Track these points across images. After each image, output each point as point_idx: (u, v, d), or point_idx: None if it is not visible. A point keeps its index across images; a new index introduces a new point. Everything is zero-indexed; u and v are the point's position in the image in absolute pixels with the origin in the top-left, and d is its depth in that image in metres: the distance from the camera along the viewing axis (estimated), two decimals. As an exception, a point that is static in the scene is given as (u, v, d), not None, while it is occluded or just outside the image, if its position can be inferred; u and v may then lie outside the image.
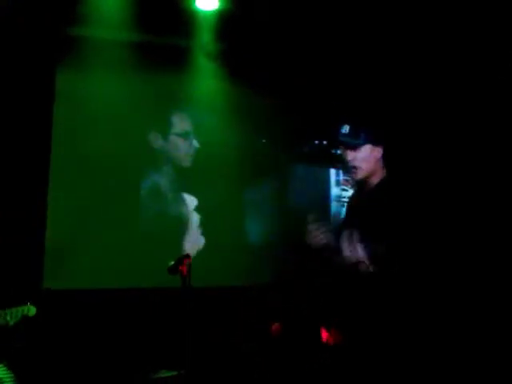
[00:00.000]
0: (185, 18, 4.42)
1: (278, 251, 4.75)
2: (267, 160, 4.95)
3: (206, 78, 4.68)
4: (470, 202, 3.99)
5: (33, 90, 4.18)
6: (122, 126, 4.49)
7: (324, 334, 2.97)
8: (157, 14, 4.29)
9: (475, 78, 4.12)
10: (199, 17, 4.46)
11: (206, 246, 4.75)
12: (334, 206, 5.00)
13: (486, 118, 4.09)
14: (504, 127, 4.02)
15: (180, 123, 4.82)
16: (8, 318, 2.86)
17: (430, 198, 2.85)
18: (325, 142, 5.09)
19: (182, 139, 4.81)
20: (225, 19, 4.45)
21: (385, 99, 4.47)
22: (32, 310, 2.94)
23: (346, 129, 2.75)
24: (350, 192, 4.45)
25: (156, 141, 4.71)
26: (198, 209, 4.79)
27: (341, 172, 5.09)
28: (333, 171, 5.15)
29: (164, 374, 3.37)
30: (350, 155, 2.74)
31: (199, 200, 4.82)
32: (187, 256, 2.94)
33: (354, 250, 2.60)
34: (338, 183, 5.14)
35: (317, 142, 5.11)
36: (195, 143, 4.82)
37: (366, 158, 2.73)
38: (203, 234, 4.77)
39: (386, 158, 2.80)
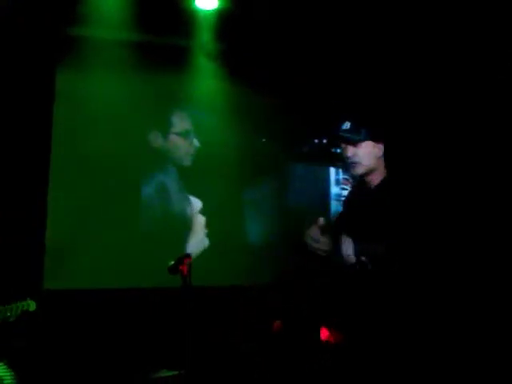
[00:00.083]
0: (184, 18, 4.42)
1: (278, 251, 4.74)
2: (267, 159, 4.94)
3: (206, 78, 4.68)
4: (470, 201, 3.99)
5: (33, 89, 4.18)
6: (122, 126, 4.49)
7: (324, 334, 2.97)
8: (156, 14, 4.29)
9: (476, 78, 4.12)
10: (199, 16, 4.46)
11: (207, 246, 4.75)
12: (333, 204, 5.00)
13: (486, 118, 4.08)
14: (505, 125, 4.02)
15: (180, 122, 4.82)
16: (8, 314, 2.86)
17: (431, 198, 2.84)
18: (325, 141, 5.09)
19: (183, 138, 4.81)
20: (224, 19, 4.44)
21: (386, 97, 4.47)
22: (32, 305, 2.95)
23: (346, 125, 2.74)
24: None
25: (156, 140, 4.71)
26: (201, 209, 4.79)
27: (340, 171, 5.09)
28: (333, 170, 5.15)
29: (164, 373, 3.37)
30: (351, 151, 2.72)
31: (200, 200, 4.82)
32: (187, 256, 2.94)
33: (352, 249, 2.60)
34: (337, 182, 5.13)
35: (316, 140, 5.11)
36: (196, 142, 4.83)
37: (366, 154, 2.72)
38: (207, 234, 4.78)
39: (387, 157, 2.80)
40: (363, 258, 2.58)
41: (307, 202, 4.86)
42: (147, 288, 4.27)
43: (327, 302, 3.14)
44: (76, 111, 4.37)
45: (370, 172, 2.76)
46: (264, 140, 5.04)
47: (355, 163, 2.73)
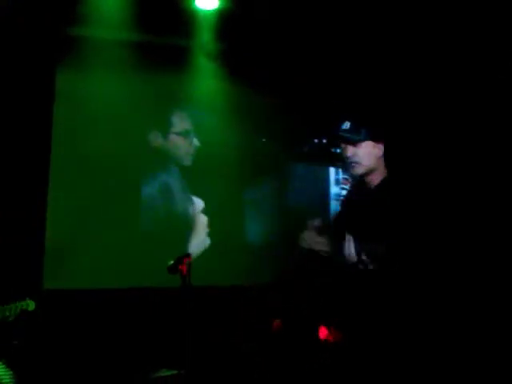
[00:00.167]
0: (185, 18, 4.42)
1: (278, 251, 4.74)
2: (267, 159, 4.94)
3: (206, 78, 4.68)
4: (470, 201, 3.98)
5: (33, 89, 4.18)
6: (122, 126, 4.49)
7: (323, 333, 2.97)
8: (156, 14, 4.30)
9: (476, 78, 4.12)
10: (199, 16, 4.46)
11: (208, 245, 4.75)
12: (333, 204, 4.99)
13: (486, 118, 4.08)
14: (505, 125, 4.02)
15: (180, 122, 4.81)
16: (7, 313, 2.86)
17: (431, 198, 2.84)
18: (324, 141, 5.09)
19: (182, 138, 4.81)
20: (225, 18, 4.44)
21: (385, 97, 4.47)
22: (31, 305, 2.94)
23: (346, 125, 2.74)
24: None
25: (156, 140, 4.71)
26: (203, 209, 4.79)
27: (340, 171, 5.09)
28: (332, 170, 5.14)
29: (164, 373, 3.36)
30: (351, 151, 2.73)
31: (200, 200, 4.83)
32: (187, 255, 2.94)
33: (353, 249, 2.60)
34: (337, 182, 5.13)
35: (316, 140, 5.11)
36: (195, 142, 4.82)
37: (366, 154, 2.72)
38: (209, 234, 4.78)
39: (387, 157, 2.79)
40: (364, 258, 2.58)
41: (307, 202, 4.86)
42: (147, 288, 4.26)
43: (327, 302, 3.14)
44: (76, 111, 4.37)
45: (369, 172, 2.76)
46: (264, 140, 5.04)
47: (355, 163, 2.73)
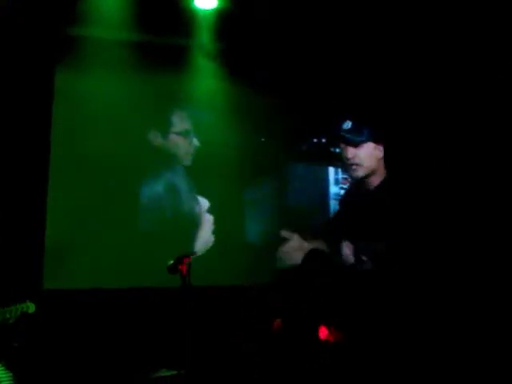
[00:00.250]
0: (184, 18, 4.41)
1: (278, 251, 4.74)
2: (267, 159, 4.94)
3: (206, 77, 4.68)
4: (469, 202, 3.98)
5: (32, 89, 4.18)
6: (122, 126, 4.49)
7: (323, 333, 2.97)
8: (156, 14, 4.30)
9: (476, 79, 4.12)
10: (198, 16, 4.45)
11: (206, 245, 4.75)
12: (332, 204, 4.98)
13: (487, 119, 4.08)
14: (505, 126, 4.02)
15: (180, 122, 4.81)
16: (7, 316, 2.85)
17: (431, 199, 2.83)
18: (324, 140, 5.08)
19: (182, 138, 4.81)
20: (224, 18, 4.44)
21: (386, 98, 4.46)
22: (31, 307, 2.94)
23: (348, 124, 2.69)
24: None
25: (156, 140, 4.71)
26: (209, 208, 4.79)
27: (340, 170, 5.08)
28: (332, 169, 5.14)
29: (164, 373, 3.36)
30: (351, 152, 2.68)
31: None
32: (187, 255, 2.94)
33: (351, 249, 2.60)
34: (337, 182, 5.12)
35: (316, 140, 5.10)
36: (195, 142, 4.82)
37: (367, 155, 2.69)
38: (213, 232, 4.78)
39: (387, 159, 2.78)
40: (363, 258, 2.58)
41: (307, 202, 4.85)
42: (147, 288, 4.26)
43: (327, 302, 3.14)
44: (75, 111, 4.37)
45: (370, 173, 2.73)
46: (263, 140, 5.03)
47: (356, 165, 2.70)
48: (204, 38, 4.59)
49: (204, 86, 4.69)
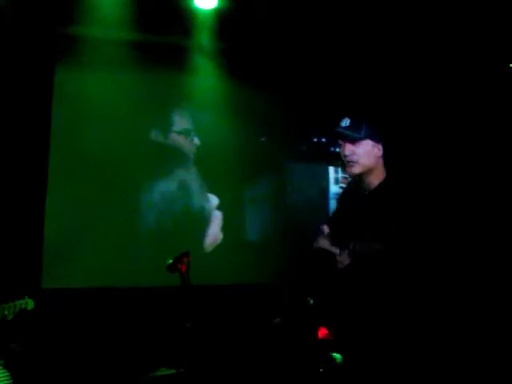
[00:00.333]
0: (184, 17, 4.41)
1: (278, 250, 4.74)
2: (266, 158, 4.94)
3: (205, 77, 4.69)
4: (469, 202, 3.98)
5: (32, 88, 4.19)
6: (121, 125, 4.50)
7: (323, 333, 2.97)
8: (156, 13, 4.29)
9: (476, 78, 4.12)
10: (198, 15, 4.45)
11: (205, 245, 4.75)
12: (332, 203, 4.99)
13: (486, 118, 4.08)
14: (505, 125, 4.01)
15: (180, 121, 4.82)
16: (6, 312, 2.85)
17: (430, 199, 2.82)
18: (324, 140, 5.09)
19: (183, 137, 4.81)
20: (223, 17, 4.44)
21: (386, 97, 4.47)
22: (30, 304, 2.93)
23: (346, 122, 2.66)
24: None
25: (156, 139, 4.71)
26: (218, 205, 4.80)
27: (339, 170, 5.09)
28: (331, 169, 5.15)
29: (163, 371, 3.36)
30: (349, 149, 2.65)
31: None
32: (186, 254, 2.94)
33: (349, 249, 2.58)
34: (336, 181, 5.13)
35: (315, 139, 5.11)
36: (196, 141, 4.82)
37: (365, 153, 2.65)
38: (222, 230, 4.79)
39: (386, 157, 2.77)
40: (361, 258, 2.56)
41: (306, 201, 4.86)
42: (146, 287, 4.26)
43: (327, 302, 3.13)
44: (75, 110, 4.38)
45: (367, 171, 2.71)
46: (263, 139, 5.03)
47: (353, 162, 2.67)
48: (204, 37, 4.58)
49: (204, 85, 4.70)
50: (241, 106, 4.79)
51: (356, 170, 2.65)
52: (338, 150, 2.85)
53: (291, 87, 4.79)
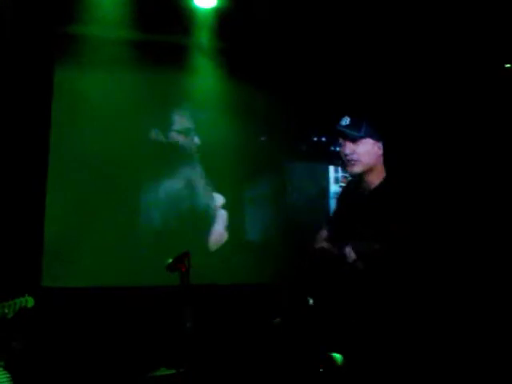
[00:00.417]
0: (183, 16, 4.41)
1: (278, 250, 4.74)
2: (266, 158, 4.94)
3: (205, 76, 4.68)
4: (468, 203, 3.98)
5: (31, 88, 4.19)
6: (121, 124, 4.50)
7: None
8: (155, 12, 4.29)
9: (476, 78, 4.11)
10: (198, 14, 4.45)
11: (206, 244, 4.75)
12: (332, 203, 4.98)
13: (486, 118, 4.07)
14: (505, 124, 4.01)
15: (180, 120, 4.81)
16: (6, 310, 2.84)
17: (430, 199, 2.82)
18: (324, 139, 5.08)
19: (183, 136, 4.81)
20: (223, 17, 4.43)
21: (386, 96, 4.46)
22: (30, 301, 2.92)
23: (346, 120, 2.65)
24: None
25: (157, 138, 4.71)
26: (224, 205, 4.80)
27: (339, 169, 5.09)
28: (331, 168, 5.15)
29: (163, 372, 3.36)
30: (349, 148, 2.63)
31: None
32: (186, 254, 2.93)
33: (348, 249, 2.57)
34: (336, 180, 5.13)
35: (315, 139, 5.10)
36: (196, 140, 4.82)
37: (366, 152, 2.63)
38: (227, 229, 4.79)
39: (386, 156, 2.76)
40: (361, 258, 2.56)
41: (306, 201, 4.85)
42: (145, 286, 4.26)
43: (327, 302, 3.13)
44: (74, 109, 4.37)
45: (368, 170, 2.70)
46: (263, 138, 5.03)
47: (353, 161, 2.66)
48: (203, 36, 4.58)
49: (203, 84, 4.69)
50: (241, 106, 4.78)
51: (357, 168, 2.64)
52: (338, 149, 2.84)
53: (291, 87, 4.79)
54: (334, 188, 5.09)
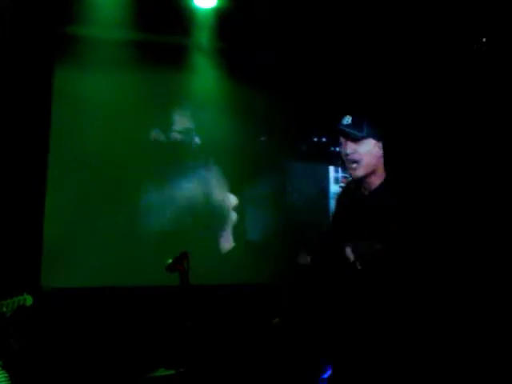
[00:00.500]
0: (183, 16, 4.41)
1: (278, 250, 4.74)
2: (266, 158, 4.94)
3: (205, 76, 4.68)
4: (468, 203, 3.97)
5: (31, 88, 4.19)
6: (121, 124, 4.50)
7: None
8: (155, 12, 4.29)
9: (476, 78, 4.10)
10: (198, 14, 4.45)
11: (206, 244, 4.74)
12: (332, 203, 4.98)
13: (487, 118, 4.07)
14: (506, 125, 4.00)
15: (181, 120, 4.82)
16: (4, 309, 2.83)
17: (430, 199, 2.81)
18: (324, 140, 5.08)
19: (184, 136, 4.81)
20: (223, 17, 4.43)
21: (386, 97, 4.45)
22: (29, 300, 2.92)
23: (348, 120, 2.62)
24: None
25: (157, 138, 4.71)
26: (235, 206, 4.81)
27: (340, 169, 5.09)
28: (332, 168, 5.15)
29: (162, 372, 3.36)
30: (351, 148, 2.60)
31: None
32: (184, 254, 2.93)
33: (349, 249, 2.57)
34: (336, 180, 5.12)
35: (316, 139, 5.10)
36: (197, 140, 4.82)
37: (367, 152, 2.60)
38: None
39: (387, 157, 2.75)
40: (360, 258, 2.55)
41: (306, 201, 4.85)
42: (145, 286, 4.26)
43: (327, 302, 3.12)
44: (74, 109, 4.38)
45: (369, 171, 2.68)
46: (263, 138, 5.03)
47: (355, 161, 2.64)
48: (203, 36, 4.58)
49: (204, 84, 4.69)
50: (241, 106, 4.79)
51: (360, 172, 2.60)
52: (338, 149, 2.82)
53: (291, 87, 4.78)
54: (334, 188, 5.09)
